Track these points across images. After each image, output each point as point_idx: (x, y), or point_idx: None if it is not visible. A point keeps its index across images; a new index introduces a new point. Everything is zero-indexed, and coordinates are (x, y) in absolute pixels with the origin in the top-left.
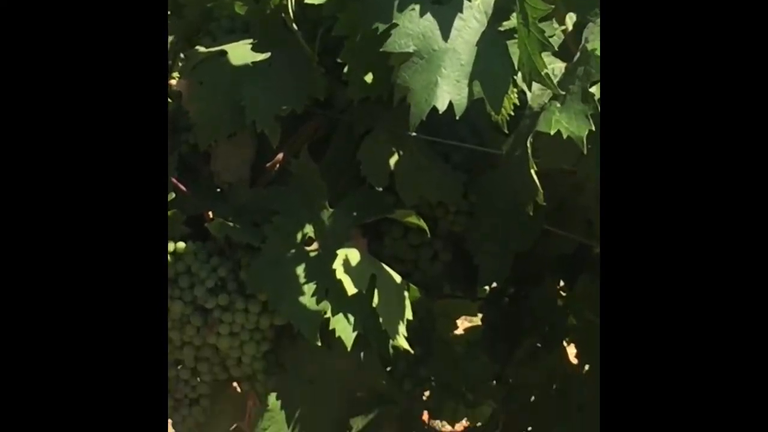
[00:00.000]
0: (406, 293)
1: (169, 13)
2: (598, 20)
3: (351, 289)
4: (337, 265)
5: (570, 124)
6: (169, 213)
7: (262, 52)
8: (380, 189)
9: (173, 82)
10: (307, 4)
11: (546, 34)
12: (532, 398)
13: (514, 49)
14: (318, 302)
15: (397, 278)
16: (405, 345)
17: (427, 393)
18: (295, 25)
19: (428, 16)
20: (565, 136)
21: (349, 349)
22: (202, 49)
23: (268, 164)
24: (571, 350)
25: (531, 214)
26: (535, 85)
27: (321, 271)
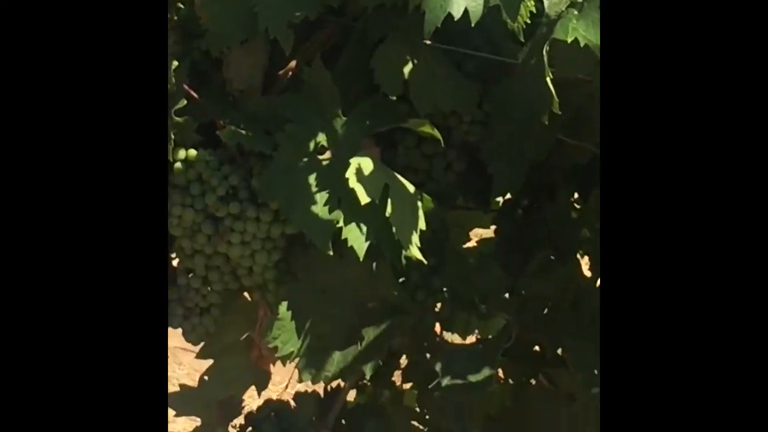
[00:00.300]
0: (419, 203)
1: None
2: None
3: (364, 198)
4: (350, 174)
5: (587, 32)
6: (180, 120)
7: None
8: (394, 97)
9: None
10: None
11: None
12: (545, 311)
13: None
14: (330, 211)
15: (411, 188)
16: (418, 255)
17: (439, 305)
18: None
19: None
20: (582, 45)
21: (361, 258)
22: None
23: (280, 72)
24: (585, 263)
25: (546, 123)
26: None
27: (333, 180)
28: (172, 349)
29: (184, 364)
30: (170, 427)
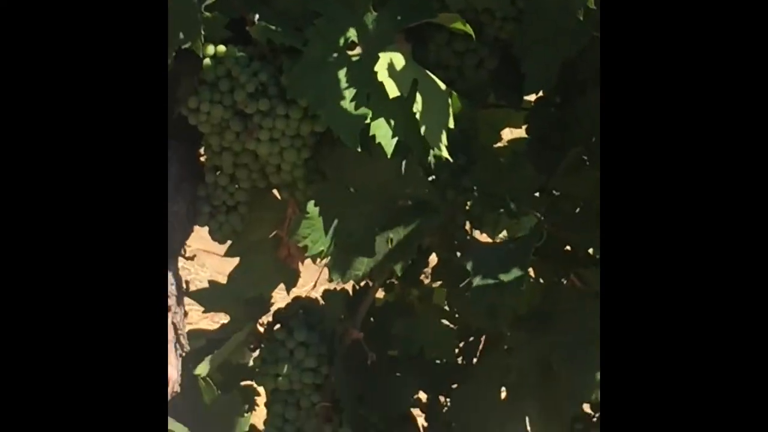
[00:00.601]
0: (449, 101)
1: None
2: None
3: (393, 92)
4: (380, 68)
5: None
6: (210, 15)
7: None
8: None
9: None
10: None
11: None
12: (577, 210)
13: None
14: (359, 107)
15: (441, 85)
16: (445, 154)
17: (469, 203)
18: None
19: None
20: None
21: (389, 155)
22: None
23: None
24: None
25: (581, 19)
26: None
27: (363, 76)
28: (195, 251)
29: (207, 266)
30: (195, 326)
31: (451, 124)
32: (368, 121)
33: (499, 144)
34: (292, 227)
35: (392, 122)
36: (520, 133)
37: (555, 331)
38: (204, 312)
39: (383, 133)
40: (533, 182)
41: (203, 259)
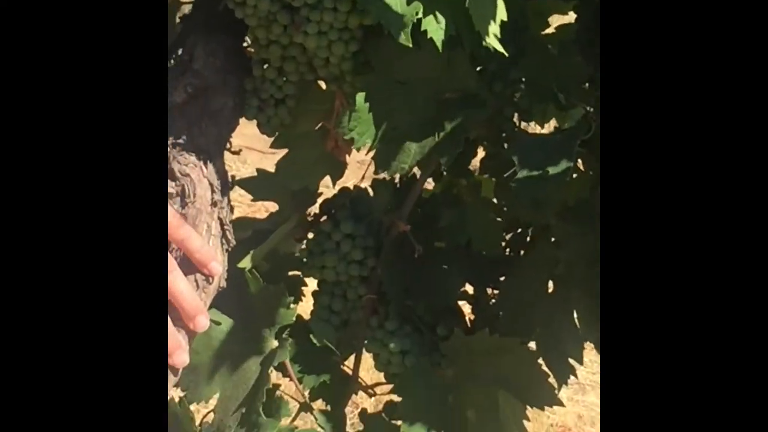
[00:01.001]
0: None
1: None
2: None
3: None
4: None
5: None
6: None
7: None
8: None
9: None
10: None
11: None
12: None
13: None
14: (409, 2)
15: None
16: (497, 46)
17: (517, 95)
18: None
19: None
20: None
21: (440, 49)
22: None
23: None
24: None
25: None
26: None
27: None
28: (237, 147)
29: (249, 163)
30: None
31: (504, 16)
32: (420, 15)
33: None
34: (339, 119)
35: (443, 17)
36: (569, 19)
37: None
38: (252, 200)
39: (435, 27)
40: (582, 73)
41: (245, 156)
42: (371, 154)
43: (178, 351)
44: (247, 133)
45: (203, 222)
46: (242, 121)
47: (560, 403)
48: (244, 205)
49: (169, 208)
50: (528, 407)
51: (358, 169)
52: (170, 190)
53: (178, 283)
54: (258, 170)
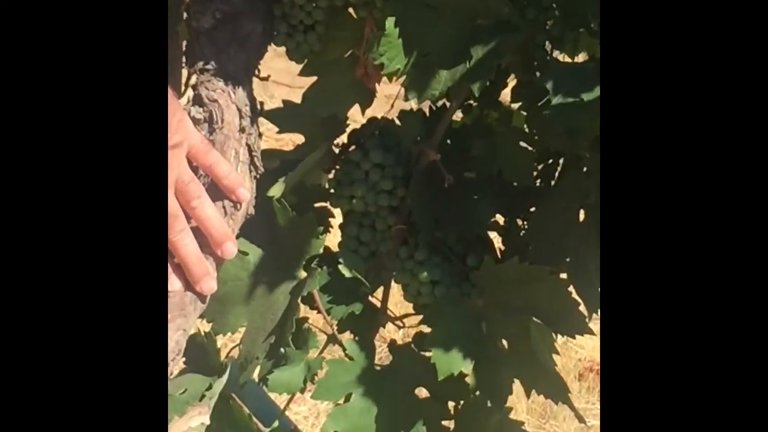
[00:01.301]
0: None
1: None
2: None
3: None
4: None
5: None
6: None
7: None
8: None
9: None
10: None
11: None
12: None
13: None
14: None
15: None
16: None
17: (549, 22)
18: None
19: None
20: None
21: None
22: None
23: None
24: None
25: None
26: None
27: None
28: (262, 81)
29: (276, 97)
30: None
31: None
32: None
33: None
34: (369, 45)
35: None
36: None
37: None
38: (279, 132)
39: None
40: None
41: (272, 90)
42: (399, 89)
43: (206, 278)
44: (274, 67)
45: (231, 148)
46: (269, 54)
47: (591, 332)
48: (271, 139)
49: (197, 133)
50: (556, 341)
51: (385, 104)
52: (197, 115)
53: (205, 208)
54: (284, 101)
